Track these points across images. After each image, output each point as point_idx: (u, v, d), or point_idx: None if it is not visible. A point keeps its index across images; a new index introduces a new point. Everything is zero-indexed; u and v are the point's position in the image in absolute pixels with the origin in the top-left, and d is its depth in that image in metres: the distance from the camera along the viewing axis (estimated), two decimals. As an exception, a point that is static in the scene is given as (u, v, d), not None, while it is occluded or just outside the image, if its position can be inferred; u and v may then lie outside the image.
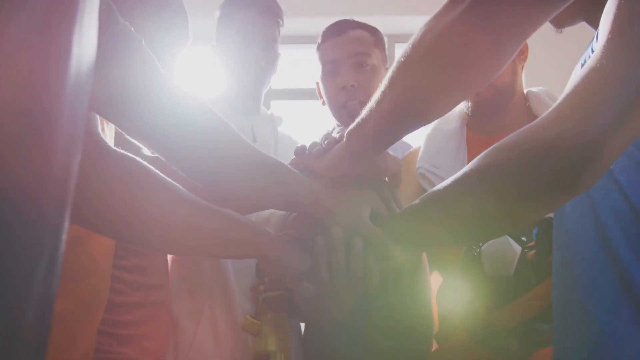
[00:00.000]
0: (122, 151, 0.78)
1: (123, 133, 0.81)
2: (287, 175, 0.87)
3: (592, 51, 0.78)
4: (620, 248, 0.72)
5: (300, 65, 2.90)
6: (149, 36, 1.22)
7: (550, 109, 0.68)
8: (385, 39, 1.56)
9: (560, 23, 0.86)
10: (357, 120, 0.85)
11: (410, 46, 0.71)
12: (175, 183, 0.82)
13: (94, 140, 0.74)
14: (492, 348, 1.05)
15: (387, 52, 1.56)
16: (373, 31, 1.48)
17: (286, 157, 1.52)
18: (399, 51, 2.63)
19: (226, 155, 0.83)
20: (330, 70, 1.45)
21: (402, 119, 0.80)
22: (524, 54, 1.36)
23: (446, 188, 0.79)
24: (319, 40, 1.48)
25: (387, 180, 0.93)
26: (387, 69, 1.49)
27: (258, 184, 0.85)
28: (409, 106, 0.76)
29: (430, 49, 0.68)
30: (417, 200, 0.86)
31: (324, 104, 1.51)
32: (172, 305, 1.29)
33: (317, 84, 1.52)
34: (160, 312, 1.23)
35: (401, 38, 3.09)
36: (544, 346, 1.05)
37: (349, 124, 1.42)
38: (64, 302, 0.84)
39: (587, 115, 0.64)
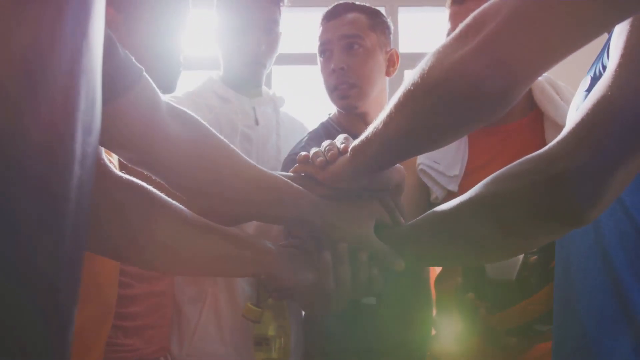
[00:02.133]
0: (128, 177, 0.78)
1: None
2: (290, 192, 0.86)
3: (603, 66, 0.77)
4: (622, 270, 0.73)
5: (301, 29, 2.84)
6: (151, 11, 1.20)
7: (559, 138, 0.67)
8: (389, 20, 1.53)
9: None
10: (362, 137, 0.84)
11: (417, 76, 0.69)
12: (180, 205, 0.82)
13: (100, 167, 0.74)
14: (490, 343, 1.07)
15: (389, 20, 1.53)
16: (371, 14, 1.46)
17: (288, 139, 1.52)
18: (402, 15, 2.54)
19: (230, 178, 0.82)
20: (322, 52, 1.46)
21: (406, 145, 0.79)
22: None
23: (451, 211, 0.79)
24: (319, 25, 1.48)
25: (390, 188, 0.93)
26: (387, 52, 1.47)
27: (261, 204, 0.85)
28: (414, 135, 0.75)
29: (439, 84, 0.67)
30: (422, 218, 0.86)
31: None
32: (176, 292, 1.31)
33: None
34: (165, 301, 1.25)
35: (404, 2, 3.03)
36: (542, 342, 1.07)
37: (340, 106, 1.44)
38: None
39: (594, 151, 0.64)
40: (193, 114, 0.81)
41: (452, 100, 0.67)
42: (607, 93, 0.66)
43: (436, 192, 1.28)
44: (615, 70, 0.66)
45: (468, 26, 0.63)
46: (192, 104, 1.43)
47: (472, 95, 0.65)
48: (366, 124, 1.43)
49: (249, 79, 1.49)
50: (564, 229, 0.72)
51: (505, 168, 0.73)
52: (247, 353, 1.29)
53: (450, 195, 1.28)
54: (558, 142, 0.67)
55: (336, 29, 1.42)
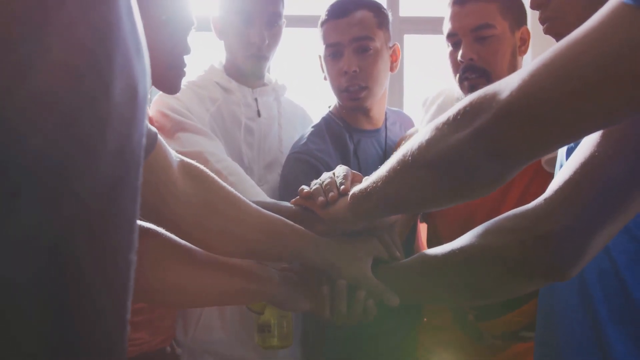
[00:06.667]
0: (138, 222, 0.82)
1: None
2: (292, 235, 0.91)
3: None
4: (599, 307, 0.78)
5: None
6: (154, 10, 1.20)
7: (545, 196, 0.71)
8: (388, 11, 1.53)
9: (559, 32, 0.81)
10: (362, 187, 0.87)
11: (415, 148, 0.72)
12: (188, 244, 0.87)
13: None
14: (477, 342, 1.15)
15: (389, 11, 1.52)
16: (377, 10, 1.44)
17: (289, 128, 1.55)
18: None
19: (236, 227, 0.87)
20: (332, 53, 1.43)
21: (403, 207, 0.85)
22: (525, 44, 1.33)
23: (441, 258, 0.84)
24: (323, 18, 1.45)
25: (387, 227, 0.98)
26: (390, 48, 1.47)
27: (264, 247, 0.91)
28: (409, 200, 0.80)
29: (436, 163, 0.70)
30: (414, 258, 0.92)
31: (325, 79, 1.51)
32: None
33: (320, 57, 1.51)
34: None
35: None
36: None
37: (349, 107, 1.45)
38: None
39: (579, 212, 0.68)
40: (202, 167, 0.86)
41: (447, 179, 0.71)
42: (594, 152, 0.69)
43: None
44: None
45: (464, 110, 0.65)
46: (195, 96, 1.45)
47: (467, 177, 0.69)
48: (367, 117, 1.47)
49: (251, 71, 1.51)
50: (547, 281, 0.78)
51: (495, 220, 0.78)
52: (248, 340, 1.35)
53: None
54: (545, 200, 0.71)
55: (346, 31, 1.40)
